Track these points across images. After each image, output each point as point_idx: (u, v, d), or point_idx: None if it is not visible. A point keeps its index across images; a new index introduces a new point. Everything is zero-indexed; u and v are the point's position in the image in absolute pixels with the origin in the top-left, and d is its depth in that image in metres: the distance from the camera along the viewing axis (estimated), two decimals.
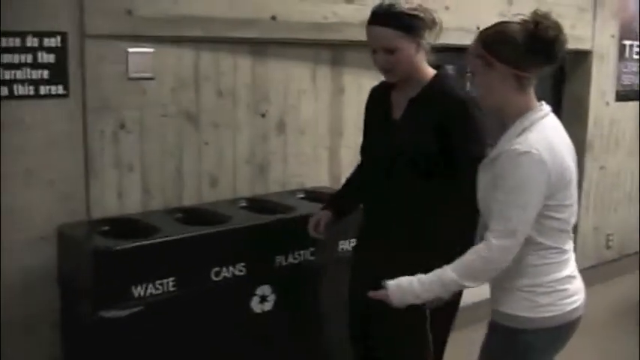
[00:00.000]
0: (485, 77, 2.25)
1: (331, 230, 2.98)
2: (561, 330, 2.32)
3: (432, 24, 2.69)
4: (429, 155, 2.66)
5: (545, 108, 2.30)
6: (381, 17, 2.67)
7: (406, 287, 2.26)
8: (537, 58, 2.21)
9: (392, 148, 2.74)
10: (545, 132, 2.24)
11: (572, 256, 2.36)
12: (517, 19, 2.25)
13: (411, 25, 2.65)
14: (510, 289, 2.29)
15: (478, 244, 2.29)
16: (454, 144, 2.63)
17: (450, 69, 2.89)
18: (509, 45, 2.20)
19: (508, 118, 2.29)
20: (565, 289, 2.30)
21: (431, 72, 2.75)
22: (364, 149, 2.95)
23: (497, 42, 2.22)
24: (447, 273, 2.22)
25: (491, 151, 2.36)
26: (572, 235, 2.36)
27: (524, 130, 2.22)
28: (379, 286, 2.32)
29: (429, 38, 2.71)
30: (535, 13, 2.22)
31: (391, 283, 2.27)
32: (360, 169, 3.04)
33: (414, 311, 2.45)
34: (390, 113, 2.80)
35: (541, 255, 2.26)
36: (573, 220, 2.33)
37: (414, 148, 2.68)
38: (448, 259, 2.28)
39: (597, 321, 4.90)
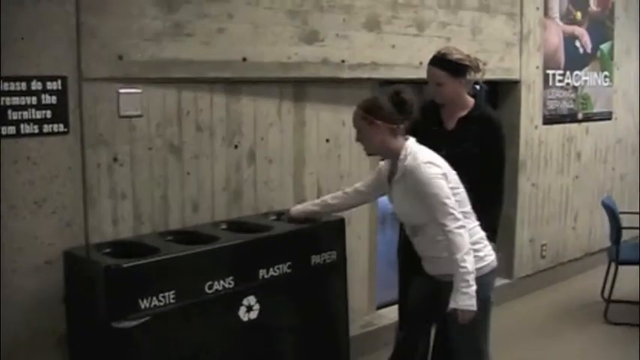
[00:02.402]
0: (369, 132, 3.26)
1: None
2: (494, 271, 3.34)
3: (476, 68, 3.71)
4: (474, 154, 3.69)
5: (411, 141, 3.27)
6: (436, 61, 3.71)
7: None
8: (400, 114, 3.22)
9: (452, 149, 3.53)
10: (418, 152, 3.22)
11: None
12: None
13: (457, 68, 3.66)
14: None
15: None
16: (490, 147, 3.73)
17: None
18: (382, 108, 3.23)
19: (390, 155, 3.31)
20: (487, 244, 3.33)
21: (470, 98, 3.83)
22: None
23: (374, 107, 3.25)
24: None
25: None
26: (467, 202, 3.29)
27: (407, 156, 3.20)
28: None
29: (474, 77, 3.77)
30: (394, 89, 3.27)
31: None
32: None
33: None
34: (443, 125, 3.82)
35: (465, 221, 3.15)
36: (462, 191, 3.26)
37: (466, 150, 3.68)
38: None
39: (536, 323, 5.41)
